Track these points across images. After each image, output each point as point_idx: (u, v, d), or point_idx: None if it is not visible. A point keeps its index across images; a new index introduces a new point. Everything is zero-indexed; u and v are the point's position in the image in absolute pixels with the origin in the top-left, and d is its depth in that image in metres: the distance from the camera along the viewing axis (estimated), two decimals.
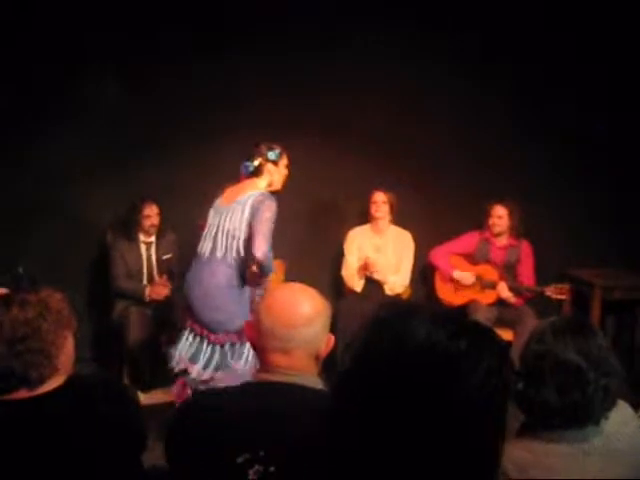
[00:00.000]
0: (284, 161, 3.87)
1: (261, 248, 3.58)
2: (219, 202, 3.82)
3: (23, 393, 1.88)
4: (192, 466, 1.64)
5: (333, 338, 1.83)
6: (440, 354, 0.99)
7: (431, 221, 5.39)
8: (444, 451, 0.98)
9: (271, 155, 3.81)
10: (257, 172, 3.82)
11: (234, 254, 3.68)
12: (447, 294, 5.24)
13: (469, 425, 0.99)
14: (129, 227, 4.93)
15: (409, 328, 1.01)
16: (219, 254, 3.71)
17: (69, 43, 4.79)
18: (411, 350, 0.99)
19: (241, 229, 3.66)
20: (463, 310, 4.95)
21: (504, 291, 5.01)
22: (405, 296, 5.23)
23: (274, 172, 3.83)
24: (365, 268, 5.05)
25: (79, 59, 4.83)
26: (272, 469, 1.42)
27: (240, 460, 1.46)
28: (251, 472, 1.43)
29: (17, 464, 1.79)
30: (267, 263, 3.64)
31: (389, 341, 1.02)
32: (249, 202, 3.65)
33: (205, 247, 3.77)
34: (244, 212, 3.65)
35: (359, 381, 1.03)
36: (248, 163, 3.81)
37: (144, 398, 4.38)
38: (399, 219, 5.22)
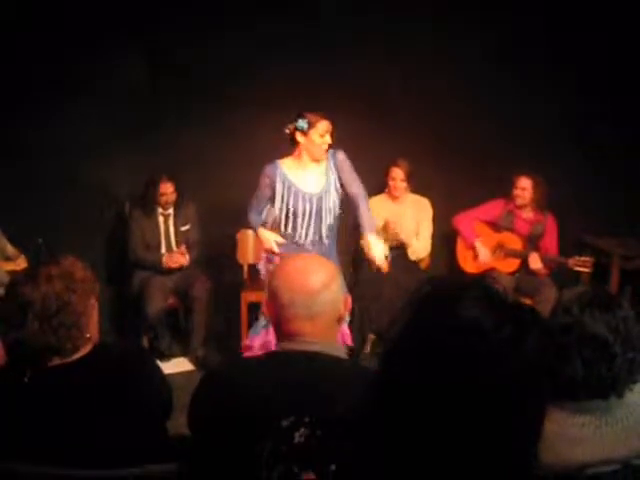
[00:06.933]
0: (318, 130, 3.75)
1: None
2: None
3: (56, 361, 1.93)
4: (217, 435, 1.66)
5: (350, 298, 1.90)
6: (488, 335, 1.02)
7: (450, 190, 5.33)
8: (488, 424, 1.01)
9: (299, 124, 3.74)
10: (293, 141, 3.83)
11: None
12: (467, 261, 5.20)
13: (512, 402, 1.02)
14: (146, 200, 4.93)
15: (457, 308, 1.04)
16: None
17: (91, 14, 4.76)
18: (459, 330, 1.02)
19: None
20: (482, 278, 4.90)
21: (536, 262, 4.94)
22: (424, 264, 5.22)
23: (304, 142, 3.77)
24: (385, 229, 4.94)
25: (102, 30, 4.80)
26: (319, 433, 1.47)
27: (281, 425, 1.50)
28: (296, 435, 1.48)
29: (51, 428, 1.85)
30: None
31: (437, 320, 1.05)
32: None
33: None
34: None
35: (407, 355, 1.06)
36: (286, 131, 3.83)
37: (162, 367, 4.42)
38: (418, 187, 5.16)
